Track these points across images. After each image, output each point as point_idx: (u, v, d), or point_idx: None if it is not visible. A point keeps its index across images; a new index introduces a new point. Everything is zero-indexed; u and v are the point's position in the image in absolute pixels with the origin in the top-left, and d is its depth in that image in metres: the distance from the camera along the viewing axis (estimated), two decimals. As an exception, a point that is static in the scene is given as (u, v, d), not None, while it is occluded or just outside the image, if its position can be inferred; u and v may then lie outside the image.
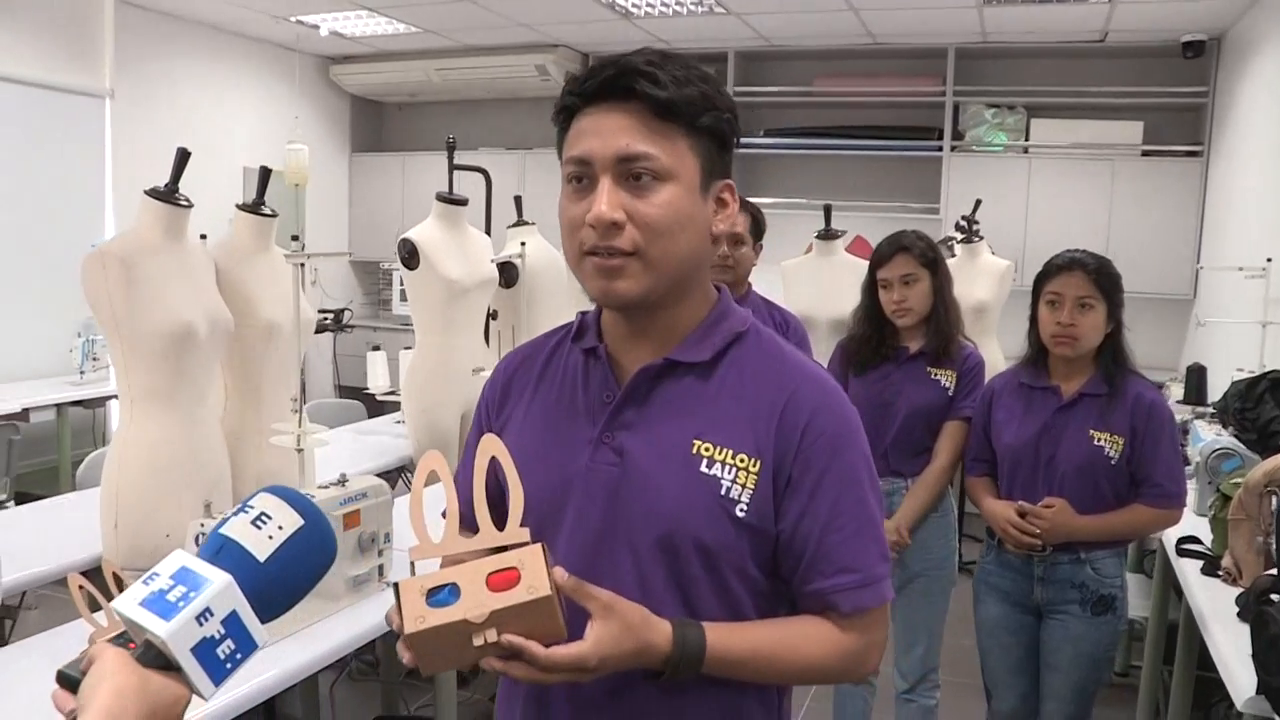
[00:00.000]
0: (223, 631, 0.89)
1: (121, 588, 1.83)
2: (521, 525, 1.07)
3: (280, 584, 0.96)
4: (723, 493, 1.16)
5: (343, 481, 2.33)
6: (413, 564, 1.08)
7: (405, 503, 3.06)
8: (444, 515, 1.10)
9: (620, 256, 1.14)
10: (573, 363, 1.29)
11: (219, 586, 0.89)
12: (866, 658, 1.22)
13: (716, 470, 1.17)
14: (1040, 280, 2.57)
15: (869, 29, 6.28)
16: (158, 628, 0.86)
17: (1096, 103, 6.40)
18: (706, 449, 1.18)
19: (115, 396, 2.58)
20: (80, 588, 1.87)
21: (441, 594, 1.02)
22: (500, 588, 1.02)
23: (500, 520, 1.08)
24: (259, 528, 0.96)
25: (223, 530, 0.96)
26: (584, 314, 1.32)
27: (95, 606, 1.89)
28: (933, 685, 2.99)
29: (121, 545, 2.49)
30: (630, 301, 1.18)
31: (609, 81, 1.15)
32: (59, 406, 5.07)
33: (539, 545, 1.04)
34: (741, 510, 1.16)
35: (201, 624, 0.88)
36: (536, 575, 1.03)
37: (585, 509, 1.20)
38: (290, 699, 3.22)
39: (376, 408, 4.77)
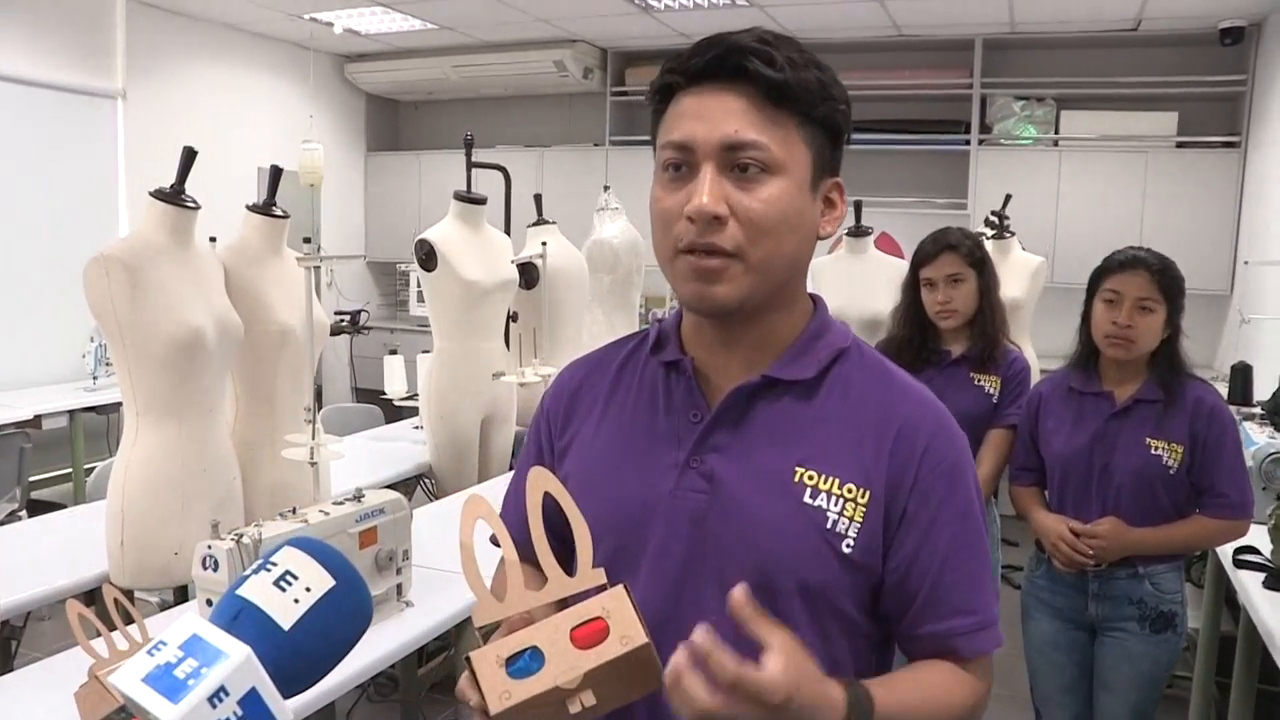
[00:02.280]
0: (240, 713, 0.76)
1: (123, 613, 1.73)
2: (594, 566, 0.95)
3: (307, 655, 0.83)
4: (828, 526, 1.04)
5: (359, 496, 2.22)
6: (481, 632, 0.96)
7: (424, 515, 2.98)
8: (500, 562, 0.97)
9: (720, 257, 1.02)
10: (650, 377, 1.16)
11: (236, 661, 0.76)
12: (985, 703, 1.11)
13: (822, 501, 1.05)
14: (1098, 276, 2.42)
15: (894, 20, 6.15)
16: (163, 712, 0.73)
17: (1129, 93, 6.23)
18: (810, 477, 1.05)
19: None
20: (80, 615, 1.78)
21: (522, 660, 0.90)
22: (589, 643, 0.90)
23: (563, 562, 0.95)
24: (283, 589, 0.83)
25: (240, 591, 0.82)
26: (660, 322, 1.19)
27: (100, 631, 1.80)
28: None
29: (128, 564, 2.39)
30: (727, 308, 1.05)
31: (718, 59, 1.02)
32: (72, 413, 4.99)
33: (620, 587, 0.92)
34: (848, 546, 1.04)
35: (215, 705, 0.74)
36: (627, 623, 0.90)
37: (668, 542, 1.08)
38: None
39: (394, 413, 4.68)
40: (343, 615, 0.85)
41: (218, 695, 0.75)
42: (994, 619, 1.10)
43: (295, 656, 0.81)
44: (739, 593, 0.90)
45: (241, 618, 0.80)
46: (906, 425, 1.07)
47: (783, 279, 1.07)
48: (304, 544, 0.87)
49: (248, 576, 0.84)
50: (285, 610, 0.82)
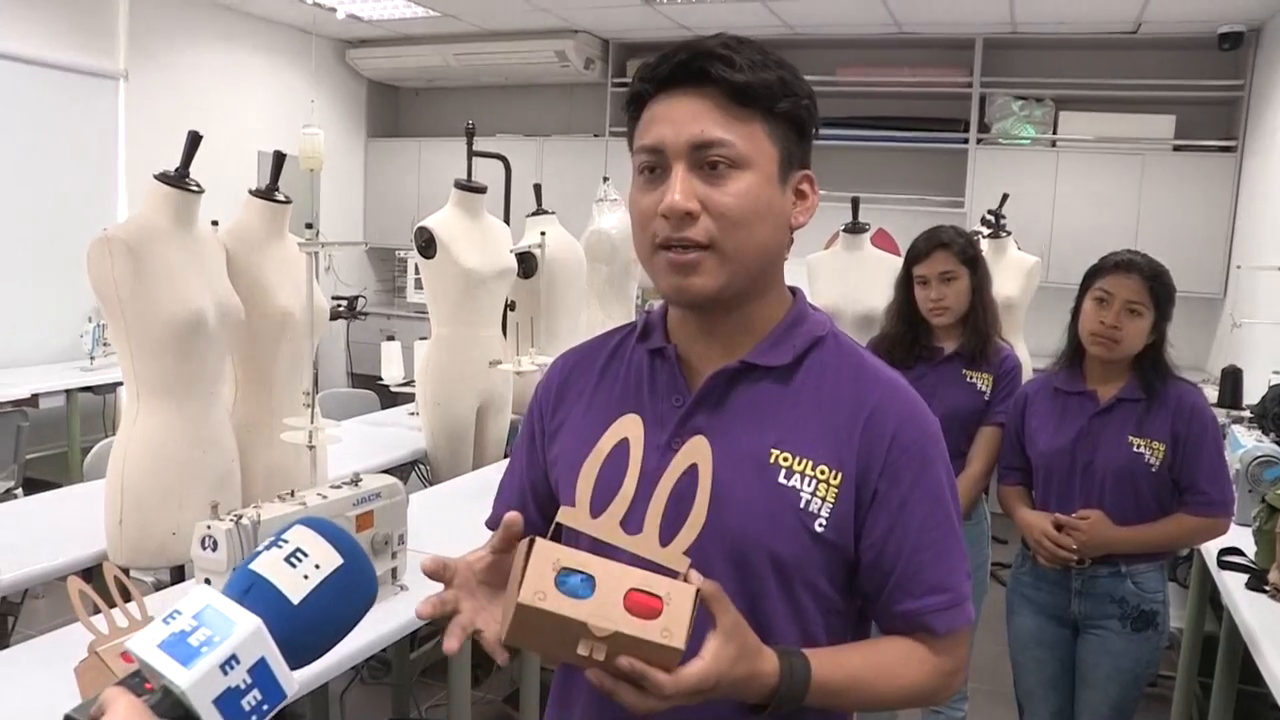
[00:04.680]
0: (249, 681, 0.79)
1: (124, 591, 1.76)
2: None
3: (315, 629, 0.86)
4: (801, 505, 1.10)
5: (356, 481, 2.25)
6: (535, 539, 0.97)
7: (419, 500, 3.00)
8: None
9: (695, 250, 1.08)
10: (637, 363, 1.22)
11: (247, 631, 0.80)
12: (955, 677, 1.16)
13: (795, 481, 1.10)
14: (1092, 275, 2.45)
15: (895, 18, 6.17)
16: (178, 676, 0.77)
17: (1127, 95, 6.26)
18: (785, 459, 1.11)
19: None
20: (80, 591, 1.80)
21: (574, 580, 0.93)
22: (636, 612, 0.92)
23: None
24: (293, 565, 0.86)
25: (253, 566, 0.86)
26: (649, 313, 1.25)
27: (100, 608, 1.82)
28: (961, 697, 2.90)
29: (126, 543, 2.41)
30: (705, 299, 1.11)
31: (682, 65, 1.08)
32: (69, 392, 5.01)
33: (694, 587, 0.94)
34: (821, 525, 1.10)
35: (226, 673, 0.78)
36: (678, 620, 0.92)
37: None
38: (299, 705, 3.14)
39: (390, 398, 4.70)
40: (349, 592, 0.88)
41: (229, 663, 0.78)
42: (966, 596, 1.14)
43: (303, 630, 0.84)
44: (704, 583, 0.96)
45: (253, 591, 0.83)
46: (877, 410, 1.12)
47: (757, 268, 1.12)
48: (314, 523, 0.90)
49: (260, 552, 0.87)
50: (295, 585, 0.85)
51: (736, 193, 1.07)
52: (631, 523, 0.99)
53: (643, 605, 0.92)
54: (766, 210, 1.10)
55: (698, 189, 1.07)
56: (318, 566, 0.86)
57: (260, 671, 0.80)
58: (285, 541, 0.87)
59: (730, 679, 0.98)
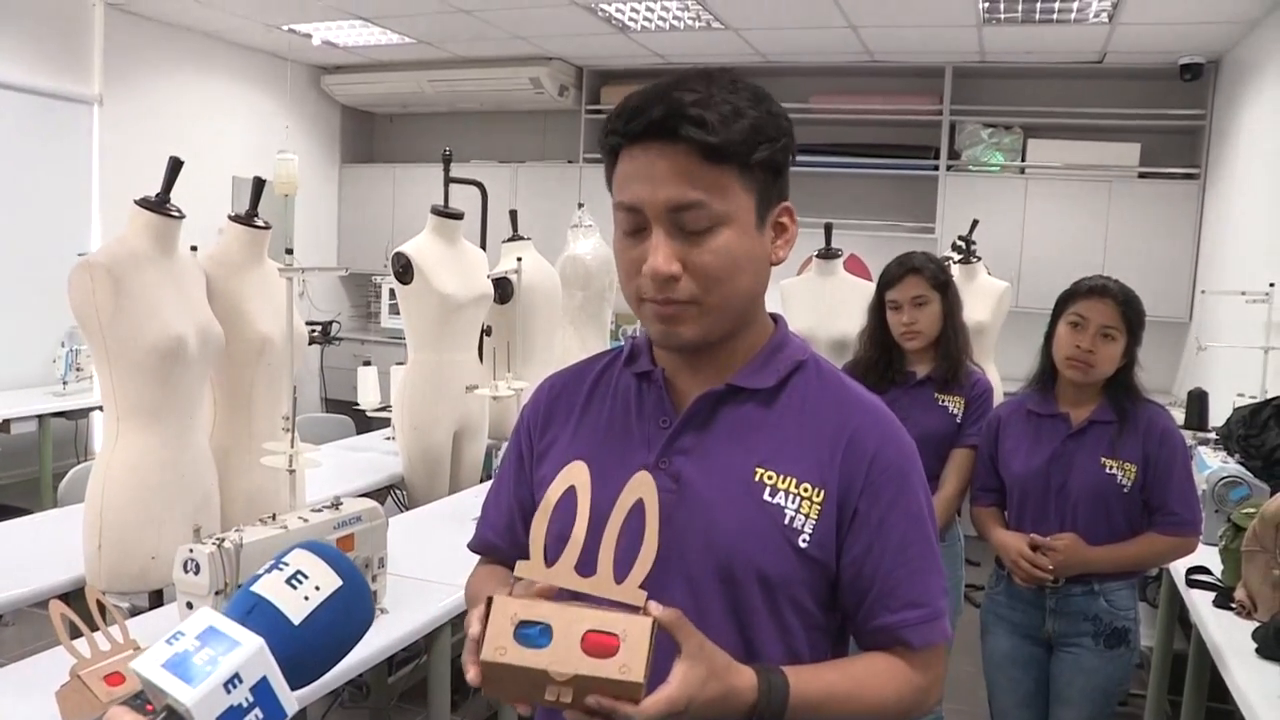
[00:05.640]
0: (251, 700, 0.81)
1: (105, 614, 1.76)
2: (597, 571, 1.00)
3: (315, 649, 0.89)
4: (786, 522, 1.13)
5: (337, 505, 2.26)
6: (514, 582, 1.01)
7: (397, 524, 3.00)
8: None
9: (678, 304, 1.11)
10: (624, 386, 1.25)
11: (250, 651, 0.82)
12: (930, 693, 1.19)
13: (780, 499, 1.13)
14: (1065, 300, 2.50)
15: (867, 46, 6.26)
16: (182, 694, 0.79)
17: (1094, 124, 6.38)
18: (769, 477, 1.14)
19: (99, 408, 2.49)
20: (62, 615, 1.80)
21: (532, 631, 0.96)
22: (594, 652, 0.95)
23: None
24: (294, 587, 0.88)
25: (254, 588, 0.88)
26: (634, 339, 1.28)
27: (80, 632, 1.82)
28: (935, 717, 2.92)
29: (105, 568, 2.40)
30: (692, 345, 1.16)
31: (654, 125, 1.08)
32: (40, 417, 4.96)
33: (650, 620, 0.97)
34: (804, 540, 1.13)
35: (229, 691, 0.80)
36: (635, 655, 0.95)
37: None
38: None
39: (365, 423, 4.69)
40: (348, 613, 0.91)
41: (232, 681, 0.80)
42: (943, 612, 1.17)
43: (304, 650, 0.86)
44: (659, 609, 0.98)
45: (255, 612, 0.86)
46: (858, 432, 1.16)
47: (740, 312, 1.16)
48: (314, 547, 0.92)
49: (261, 575, 0.89)
50: (296, 606, 0.87)
51: (715, 250, 1.10)
52: (587, 565, 1.01)
53: (599, 645, 0.95)
54: (747, 261, 1.13)
55: (678, 250, 1.10)
56: (318, 588, 0.89)
57: (262, 691, 0.82)
58: (286, 564, 0.90)
59: (703, 699, 0.99)
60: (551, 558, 1.02)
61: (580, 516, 1.03)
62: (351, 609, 0.91)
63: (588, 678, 0.94)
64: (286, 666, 0.84)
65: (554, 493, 1.05)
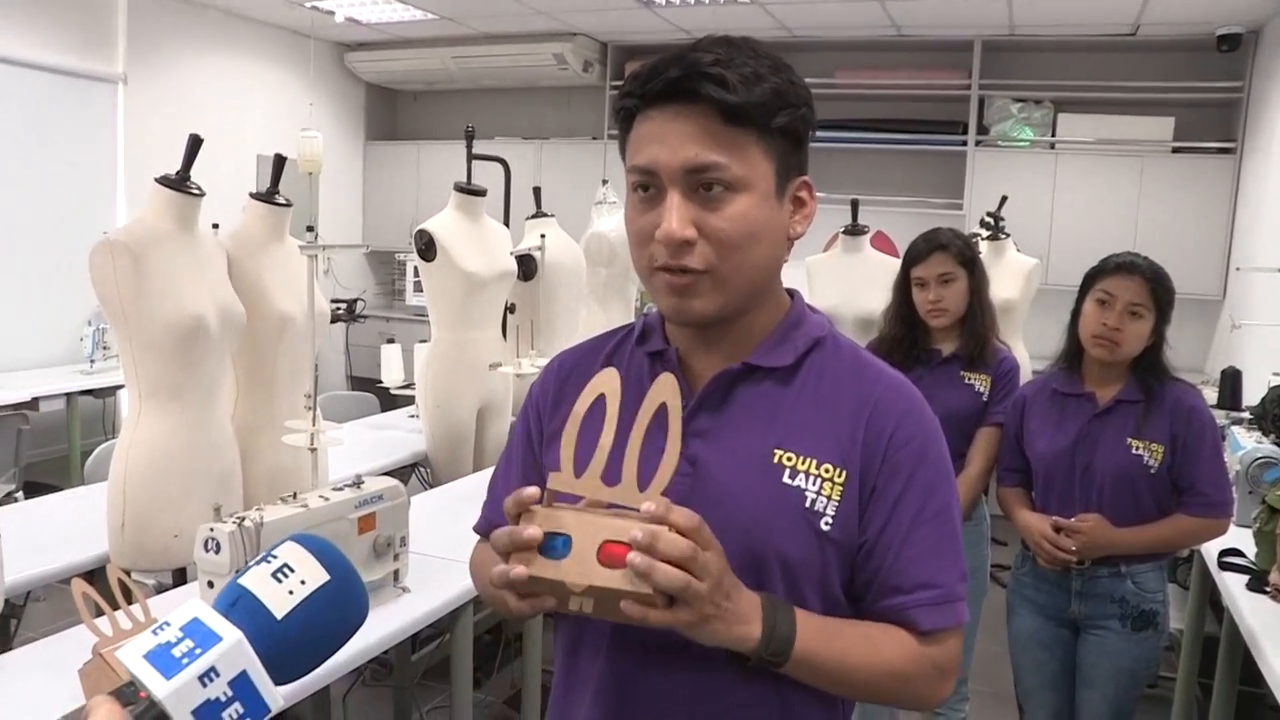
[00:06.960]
0: (229, 694, 0.80)
1: (127, 594, 1.76)
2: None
3: (298, 645, 0.87)
4: (807, 505, 1.09)
5: (358, 483, 2.25)
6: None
7: (419, 503, 3.00)
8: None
9: (693, 274, 1.07)
10: (636, 366, 1.21)
11: (227, 645, 0.80)
12: (941, 681, 1.13)
13: (800, 481, 1.09)
14: (1093, 276, 2.45)
15: (894, 20, 6.18)
16: (157, 686, 0.78)
17: (1126, 98, 6.26)
18: (789, 459, 1.10)
19: (125, 386, 2.50)
20: (84, 594, 1.81)
21: (557, 543, 0.97)
22: (609, 563, 0.95)
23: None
24: (279, 581, 0.86)
25: (241, 580, 0.87)
26: (646, 316, 1.24)
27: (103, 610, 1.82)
28: (961, 698, 2.90)
29: (128, 546, 2.41)
30: (703, 320, 1.11)
31: (673, 83, 1.05)
32: (69, 396, 5.01)
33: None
34: (827, 524, 1.09)
35: (205, 685, 0.79)
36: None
37: None
38: (300, 707, 3.14)
39: (390, 401, 4.70)
40: (335, 610, 0.88)
41: (208, 675, 0.79)
42: (957, 595, 1.12)
43: (287, 644, 0.84)
44: (684, 513, 0.96)
45: (239, 605, 0.84)
46: (879, 407, 1.12)
47: (756, 285, 1.12)
48: (305, 540, 0.90)
49: (250, 566, 0.87)
50: (279, 601, 0.85)
51: (732, 216, 1.06)
52: (614, 474, 1.00)
53: (615, 555, 0.95)
54: (763, 230, 1.09)
55: (693, 214, 1.06)
56: (303, 583, 0.87)
57: (241, 684, 0.80)
58: (274, 557, 0.88)
59: (727, 587, 0.98)
60: (580, 468, 1.01)
61: (608, 425, 1.01)
62: (339, 606, 0.89)
63: (601, 588, 0.94)
64: (269, 661, 0.82)
65: (583, 403, 1.03)
